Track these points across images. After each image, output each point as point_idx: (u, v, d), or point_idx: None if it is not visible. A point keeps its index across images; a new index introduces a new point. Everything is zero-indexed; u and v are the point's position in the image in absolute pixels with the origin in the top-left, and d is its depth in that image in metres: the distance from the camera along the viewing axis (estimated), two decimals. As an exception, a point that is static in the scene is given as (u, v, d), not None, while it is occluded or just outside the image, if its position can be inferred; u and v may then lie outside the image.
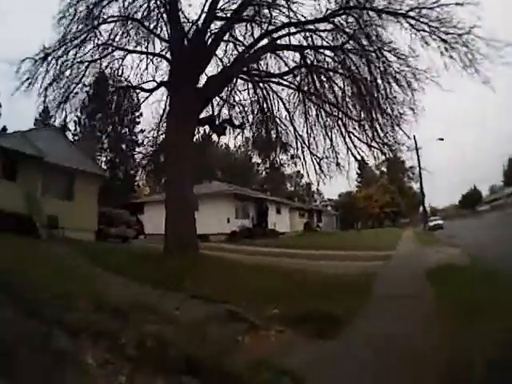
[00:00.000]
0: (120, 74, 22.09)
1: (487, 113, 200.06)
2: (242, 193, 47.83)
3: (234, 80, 21.87)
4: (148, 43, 21.54)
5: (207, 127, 22.75)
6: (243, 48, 21.10)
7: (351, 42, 19.23)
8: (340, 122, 21.36)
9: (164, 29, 20.96)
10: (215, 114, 22.27)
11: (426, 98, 19.35)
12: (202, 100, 19.93)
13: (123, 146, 60.33)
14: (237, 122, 22.78)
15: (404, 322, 8.16)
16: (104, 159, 61.12)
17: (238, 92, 22.96)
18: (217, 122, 21.85)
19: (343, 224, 80.00)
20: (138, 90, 22.82)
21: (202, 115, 21.07)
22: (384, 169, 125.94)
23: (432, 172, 20.89)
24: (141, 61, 21.78)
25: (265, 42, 20.68)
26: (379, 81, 19.71)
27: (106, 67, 21.69)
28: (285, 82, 21.85)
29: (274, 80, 21.88)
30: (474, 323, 6.53)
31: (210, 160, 78.09)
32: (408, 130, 20.44)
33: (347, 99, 21.00)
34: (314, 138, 22.36)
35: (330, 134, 21.86)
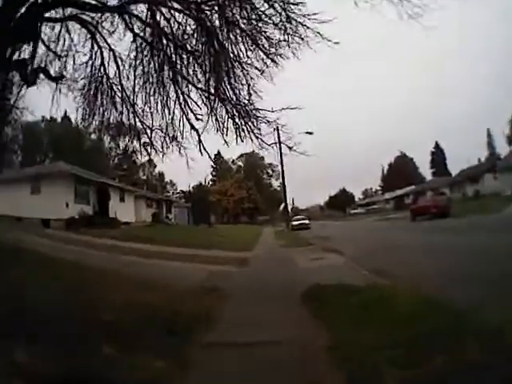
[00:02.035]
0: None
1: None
2: (81, 174, 41.84)
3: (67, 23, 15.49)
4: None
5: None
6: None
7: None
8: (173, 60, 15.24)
9: None
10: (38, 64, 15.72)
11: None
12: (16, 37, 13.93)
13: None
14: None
15: None
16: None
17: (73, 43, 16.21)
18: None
19: (196, 217, 75.32)
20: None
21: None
22: (241, 163, 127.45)
23: (304, 153, 14.69)
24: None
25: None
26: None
27: None
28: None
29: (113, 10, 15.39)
30: None
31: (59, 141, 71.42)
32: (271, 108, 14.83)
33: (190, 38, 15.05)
34: (151, 107, 16.12)
35: (163, 90, 15.78)
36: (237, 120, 14.94)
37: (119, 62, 15.90)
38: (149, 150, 16.89)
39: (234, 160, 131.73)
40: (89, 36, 15.55)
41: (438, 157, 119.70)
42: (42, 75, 15.58)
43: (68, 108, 17.30)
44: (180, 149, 15.51)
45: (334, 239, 28.19)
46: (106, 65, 16.12)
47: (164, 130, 15.82)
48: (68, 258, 14.61)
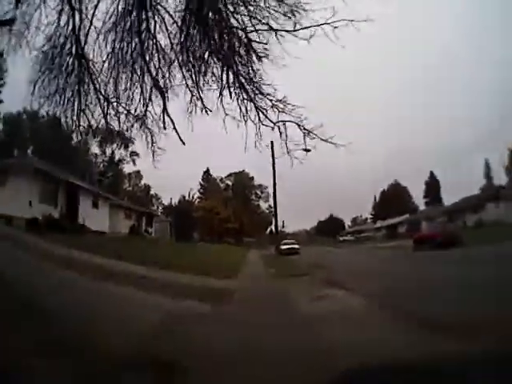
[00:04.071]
0: None
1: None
2: (48, 170, 37.33)
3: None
4: None
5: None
6: None
7: None
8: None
9: None
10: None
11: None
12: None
13: None
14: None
15: None
16: None
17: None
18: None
19: (178, 233, 71.46)
20: None
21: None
22: (229, 182, 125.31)
23: (328, 140, 10.47)
24: None
25: None
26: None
27: None
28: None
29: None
30: None
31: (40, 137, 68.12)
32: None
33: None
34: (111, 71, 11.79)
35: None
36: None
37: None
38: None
39: (222, 178, 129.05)
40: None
41: (433, 187, 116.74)
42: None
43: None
44: (143, 129, 11.44)
45: (331, 269, 23.89)
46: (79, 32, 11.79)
47: (123, 103, 11.70)
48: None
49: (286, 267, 26.97)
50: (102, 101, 11.95)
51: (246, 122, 11.13)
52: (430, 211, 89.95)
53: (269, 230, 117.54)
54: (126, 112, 11.73)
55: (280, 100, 10.68)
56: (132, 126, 11.70)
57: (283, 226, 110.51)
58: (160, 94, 11.02)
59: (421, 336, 7.04)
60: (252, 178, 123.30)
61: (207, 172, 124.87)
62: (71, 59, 11.79)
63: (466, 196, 75.92)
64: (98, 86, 11.95)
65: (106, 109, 11.86)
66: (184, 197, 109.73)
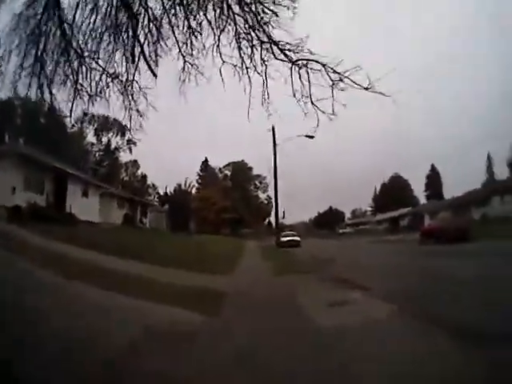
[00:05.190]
0: None
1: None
2: (34, 156, 35.36)
3: None
4: None
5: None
6: None
7: None
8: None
9: None
10: None
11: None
12: None
13: None
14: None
15: None
16: None
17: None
18: None
19: (173, 224, 70.04)
20: None
21: None
22: (228, 172, 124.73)
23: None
24: None
25: None
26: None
27: None
28: None
29: None
30: None
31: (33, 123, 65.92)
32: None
33: None
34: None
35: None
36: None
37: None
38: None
39: (220, 168, 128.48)
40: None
41: (434, 180, 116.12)
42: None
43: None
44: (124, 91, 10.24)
45: (338, 264, 21.78)
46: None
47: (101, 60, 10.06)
48: None
49: (288, 262, 24.69)
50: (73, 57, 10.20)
51: (251, 59, 9.35)
52: (432, 204, 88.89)
53: (267, 221, 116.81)
54: (101, 70, 10.20)
55: (294, 46, 8.75)
56: (107, 85, 10.19)
57: (283, 217, 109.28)
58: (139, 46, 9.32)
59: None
60: (251, 168, 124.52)
61: (205, 162, 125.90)
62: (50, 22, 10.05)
63: (471, 190, 75.70)
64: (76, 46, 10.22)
65: (77, 65, 10.09)
66: (180, 186, 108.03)
